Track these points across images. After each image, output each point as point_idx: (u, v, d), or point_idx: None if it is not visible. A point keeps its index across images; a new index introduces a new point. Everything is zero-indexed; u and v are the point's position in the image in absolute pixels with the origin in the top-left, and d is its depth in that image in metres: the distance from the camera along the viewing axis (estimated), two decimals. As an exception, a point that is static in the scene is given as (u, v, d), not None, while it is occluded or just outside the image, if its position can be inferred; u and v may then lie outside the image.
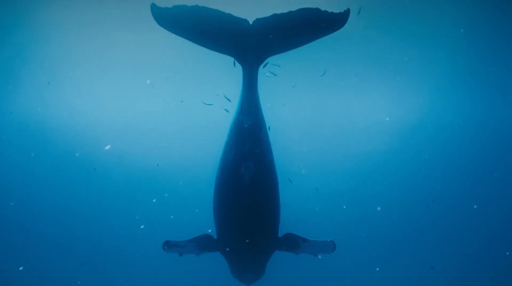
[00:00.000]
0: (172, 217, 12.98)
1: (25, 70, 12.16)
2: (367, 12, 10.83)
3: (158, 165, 13.34)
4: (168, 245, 5.54)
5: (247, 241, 5.22)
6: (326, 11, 5.33)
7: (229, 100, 5.57)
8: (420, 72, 12.58)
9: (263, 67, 5.78)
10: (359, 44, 11.79)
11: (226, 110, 5.57)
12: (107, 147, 13.24)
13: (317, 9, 5.29)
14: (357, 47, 11.92)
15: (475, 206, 14.20)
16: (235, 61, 5.68)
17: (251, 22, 5.41)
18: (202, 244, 5.54)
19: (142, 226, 13.40)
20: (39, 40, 11.44)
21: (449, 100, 13.44)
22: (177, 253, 5.56)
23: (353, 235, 13.73)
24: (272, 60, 5.95)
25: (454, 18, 11.38)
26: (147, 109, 13.52)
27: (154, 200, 13.90)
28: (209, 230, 5.51)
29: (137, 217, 14.01)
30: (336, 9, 5.52)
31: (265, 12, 5.51)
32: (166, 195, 14.04)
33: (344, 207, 13.86)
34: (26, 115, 13.18)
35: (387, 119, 13.11)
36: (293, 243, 5.59)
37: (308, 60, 11.50)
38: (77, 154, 13.74)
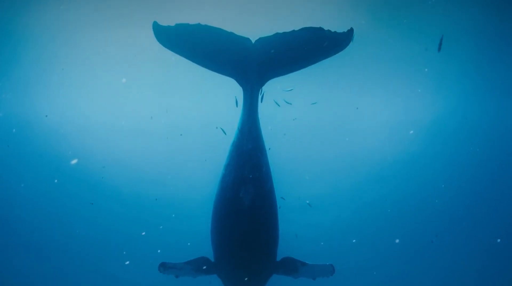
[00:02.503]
0: (159, 251, 12.77)
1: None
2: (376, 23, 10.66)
3: (156, 199, 13.27)
4: (165, 267, 5.49)
5: (244, 265, 5.09)
6: (329, 31, 5.41)
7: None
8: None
9: (262, 101, 5.63)
10: (367, 60, 11.65)
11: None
12: (74, 161, 13.11)
13: (320, 28, 5.29)
14: (363, 64, 11.79)
15: (498, 240, 13.77)
16: (236, 99, 5.56)
17: (253, 41, 5.26)
18: (199, 266, 5.54)
19: (127, 262, 13.20)
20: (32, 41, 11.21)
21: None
22: (174, 275, 5.42)
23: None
24: (276, 84, 5.82)
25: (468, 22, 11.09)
26: (146, 141, 13.46)
27: (143, 233, 13.73)
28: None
29: (124, 252, 13.81)
30: (340, 30, 5.38)
31: (269, 31, 5.37)
32: (161, 227, 13.87)
33: (354, 241, 13.57)
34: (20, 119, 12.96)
35: (411, 132, 12.89)
36: (291, 266, 5.56)
37: (312, 86, 11.39)
38: (56, 181, 13.61)
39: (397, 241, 13.56)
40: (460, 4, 10.70)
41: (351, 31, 5.54)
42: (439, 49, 9.12)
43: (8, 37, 11.13)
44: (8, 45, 11.38)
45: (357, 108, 12.26)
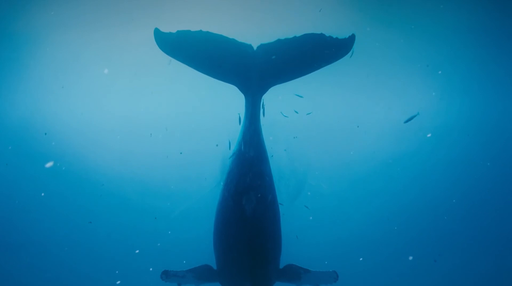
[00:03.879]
0: (151, 269, 12.69)
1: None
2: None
3: (156, 218, 13.25)
4: (167, 275, 5.46)
5: (247, 272, 5.07)
6: (330, 37, 5.50)
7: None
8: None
9: (264, 115, 5.60)
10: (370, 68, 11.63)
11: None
12: (49, 164, 13.05)
13: (322, 35, 5.29)
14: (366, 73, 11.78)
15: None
16: (240, 116, 5.55)
17: (255, 48, 5.23)
18: (202, 274, 5.57)
19: (118, 282, 13.11)
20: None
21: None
22: (176, 283, 5.38)
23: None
24: (280, 93, 5.79)
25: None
26: (146, 161, 13.48)
27: (137, 251, 13.66)
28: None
29: (117, 272, 13.68)
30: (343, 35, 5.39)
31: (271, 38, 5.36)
32: (158, 244, 13.80)
33: (361, 259, 13.45)
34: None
35: (429, 135, 12.79)
36: (294, 274, 5.54)
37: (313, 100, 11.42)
38: (43, 194, 13.58)
39: (410, 258, 13.31)
40: (467, 6, 10.64)
41: (352, 37, 5.52)
42: (407, 121, 9.32)
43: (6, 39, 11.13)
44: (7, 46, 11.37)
45: (357, 126, 12.22)
